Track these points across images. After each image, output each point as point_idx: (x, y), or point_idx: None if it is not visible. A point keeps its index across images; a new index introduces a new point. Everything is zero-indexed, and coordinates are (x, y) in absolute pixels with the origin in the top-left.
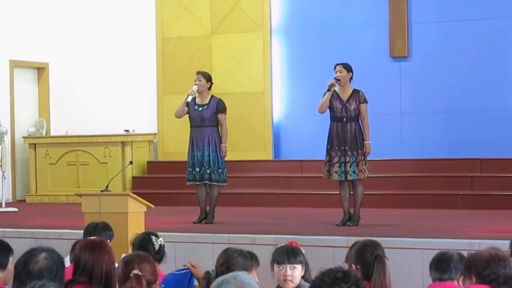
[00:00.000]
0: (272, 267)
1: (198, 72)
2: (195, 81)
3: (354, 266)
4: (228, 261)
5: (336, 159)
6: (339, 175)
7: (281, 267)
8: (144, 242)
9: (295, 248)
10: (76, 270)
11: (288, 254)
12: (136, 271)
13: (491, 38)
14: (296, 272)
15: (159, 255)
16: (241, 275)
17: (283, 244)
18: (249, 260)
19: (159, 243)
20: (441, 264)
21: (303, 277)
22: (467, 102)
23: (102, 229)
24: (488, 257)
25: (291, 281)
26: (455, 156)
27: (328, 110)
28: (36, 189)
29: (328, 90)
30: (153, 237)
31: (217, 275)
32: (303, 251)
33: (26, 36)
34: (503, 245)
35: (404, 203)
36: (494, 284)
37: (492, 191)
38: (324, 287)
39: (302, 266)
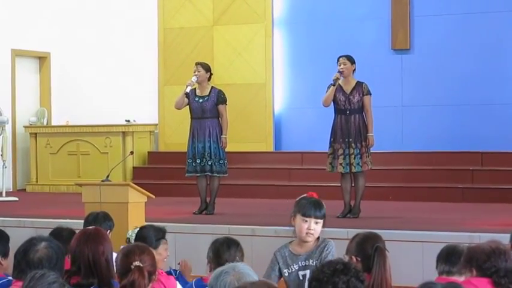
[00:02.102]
0: (293, 218)
1: (197, 63)
2: (194, 72)
3: (354, 258)
4: (218, 255)
5: (340, 152)
6: (343, 167)
7: (306, 220)
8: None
9: (320, 201)
10: (73, 261)
11: (314, 207)
12: (137, 263)
13: (493, 32)
14: (319, 226)
15: None
16: (240, 265)
17: (305, 195)
18: (238, 251)
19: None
20: (451, 257)
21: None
22: (469, 96)
23: (102, 219)
24: (489, 250)
25: (313, 234)
26: (456, 149)
27: (332, 102)
28: (36, 178)
29: (333, 85)
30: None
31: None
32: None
33: (28, 25)
34: (503, 238)
35: (405, 195)
36: (495, 277)
37: (493, 185)
38: (324, 278)
39: (324, 221)
